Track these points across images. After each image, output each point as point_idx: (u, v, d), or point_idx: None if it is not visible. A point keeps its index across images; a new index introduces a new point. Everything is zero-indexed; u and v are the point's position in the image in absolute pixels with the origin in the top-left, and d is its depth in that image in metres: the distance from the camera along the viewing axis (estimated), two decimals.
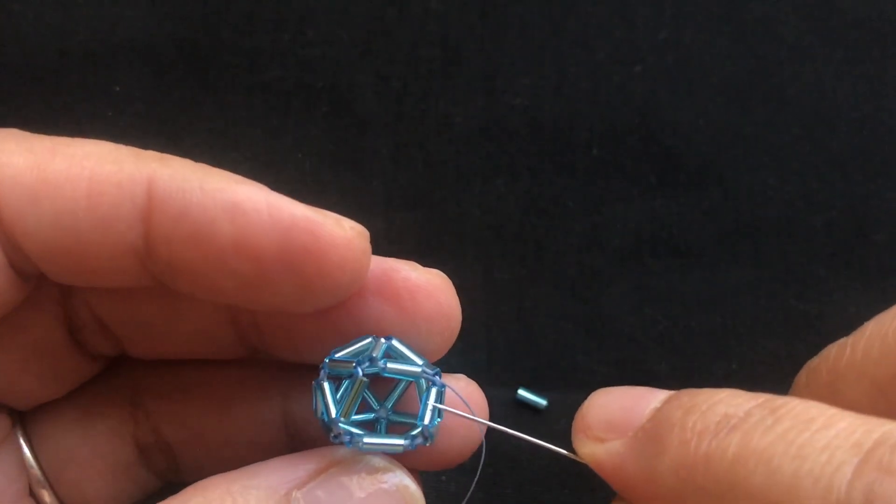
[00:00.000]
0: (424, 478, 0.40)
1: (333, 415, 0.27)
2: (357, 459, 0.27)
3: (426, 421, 0.27)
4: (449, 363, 0.42)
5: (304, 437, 0.32)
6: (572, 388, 0.41)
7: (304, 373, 0.31)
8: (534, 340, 0.41)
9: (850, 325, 0.41)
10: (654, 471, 0.25)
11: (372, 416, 0.28)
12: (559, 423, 0.41)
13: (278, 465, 0.26)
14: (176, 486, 0.33)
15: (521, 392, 0.41)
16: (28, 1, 0.42)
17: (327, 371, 0.27)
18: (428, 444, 0.28)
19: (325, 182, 0.42)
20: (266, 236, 0.26)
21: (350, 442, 0.27)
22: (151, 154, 0.27)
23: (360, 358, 0.27)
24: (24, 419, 0.31)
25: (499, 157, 0.42)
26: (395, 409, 0.29)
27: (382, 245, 0.41)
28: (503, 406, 0.41)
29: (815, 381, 0.30)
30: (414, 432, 0.27)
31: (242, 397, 0.32)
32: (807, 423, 0.22)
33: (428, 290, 0.29)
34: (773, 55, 0.42)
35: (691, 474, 0.23)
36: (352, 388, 0.27)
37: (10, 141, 0.26)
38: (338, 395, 0.27)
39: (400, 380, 0.29)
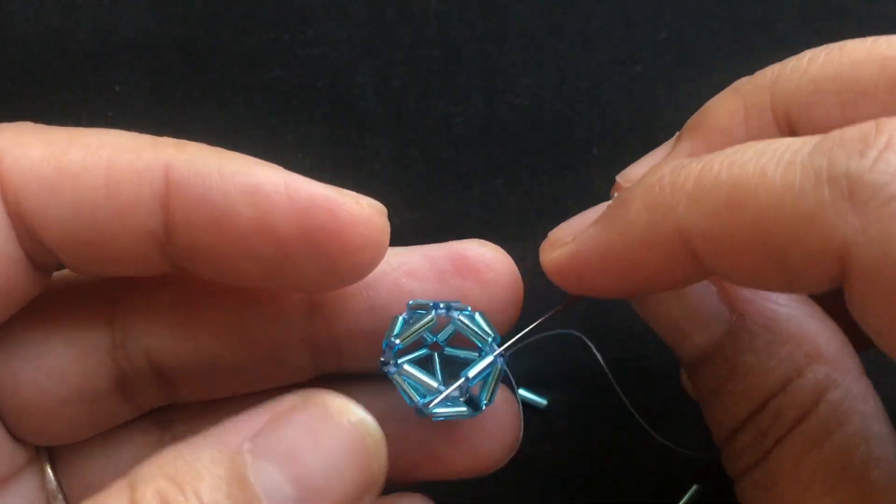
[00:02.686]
0: (423, 484, 0.41)
1: (393, 339, 0.28)
2: (305, 402, 0.26)
3: (471, 374, 0.29)
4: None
5: (331, 356, 0.31)
6: (572, 388, 0.41)
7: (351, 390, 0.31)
8: (534, 340, 0.41)
9: None
10: (624, 221, 0.26)
11: (425, 351, 0.30)
12: (559, 422, 0.41)
13: (231, 422, 0.26)
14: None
15: (521, 392, 0.41)
16: (28, 1, 0.42)
17: (411, 304, 0.29)
18: (465, 413, 0.29)
19: (325, 182, 0.42)
20: (285, 217, 0.26)
21: (395, 371, 0.28)
22: (168, 140, 0.27)
23: (438, 304, 0.29)
24: (50, 448, 0.31)
25: (499, 157, 0.42)
26: (448, 344, 0.30)
27: None
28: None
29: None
30: (460, 385, 0.28)
31: (260, 315, 0.31)
32: (752, 145, 0.24)
33: (502, 263, 0.30)
34: (773, 55, 0.42)
35: (658, 204, 0.25)
36: (417, 322, 0.28)
37: (25, 133, 0.26)
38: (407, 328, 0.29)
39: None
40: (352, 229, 0.26)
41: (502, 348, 0.29)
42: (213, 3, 0.42)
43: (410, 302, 0.29)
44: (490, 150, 0.42)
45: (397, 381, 0.28)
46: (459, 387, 0.28)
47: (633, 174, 0.31)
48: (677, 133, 0.32)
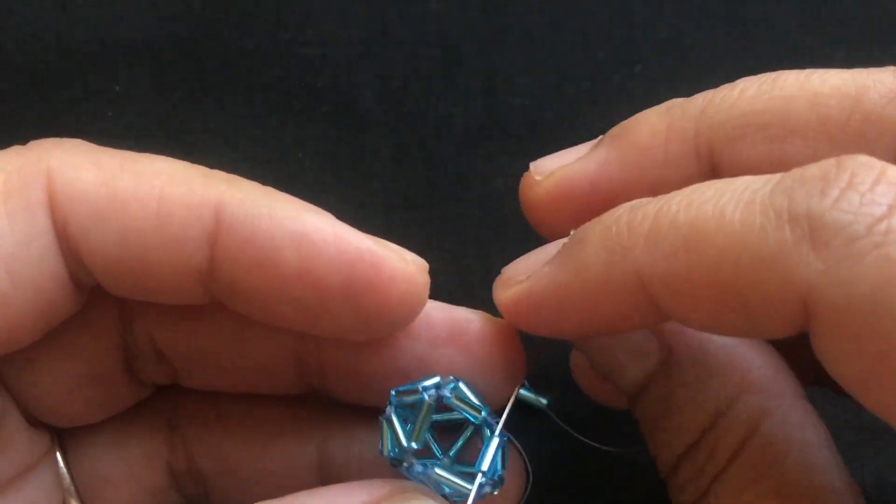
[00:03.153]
0: None
1: (405, 444, 0.27)
2: (415, 493, 0.26)
3: (484, 467, 0.28)
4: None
5: (337, 482, 0.32)
6: (572, 388, 0.41)
7: (347, 415, 0.31)
8: (534, 340, 0.41)
9: None
10: (579, 262, 0.25)
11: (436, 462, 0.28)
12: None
13: (331, 494, 0.26)
14: None
15: (522, 392, 0.41)
16: (28, 1, 0.42)
17: (395, 402, 0.28)
18: (495, 493, 0.28)
19: (325, 182, 0.42)
20: (330, 267, 0.26)
21: (423, 472, 0.27)
22: (220, 175, 0.27)
23: (425, 385, 0.28)
24: (63, 437, 0.31)
25: (499, 157, 0.42)
26: (458, 460, 0.29)
27: None
28: (503, 406, 0.41)
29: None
30: (482, 480, 0.27)
31: (279, 436, 0.32)
32: (708, 186, 0.23)
33: (500, 341, 0.30)
34: (773, 55, 0.42)
35: (615, 246, 0.24)
36: (420, 413, 0.27)
37: (77, 154, 0.26)
38: (406, 428, 0.28)
39: (461, 424, 0.29)
40: (394, 286, 0.27)
41: (501, 422, 0.29)
42: (213, 3, 0.42)
43: (393, 393, 0.28)
44: (490, 150, 0.42)
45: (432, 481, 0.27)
46: (490, 483, 0.28)
47: (546, 166, 0.32)
48: (600, 136, 0.32)
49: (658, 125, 0.29)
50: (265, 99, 0.42)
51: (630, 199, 0.26)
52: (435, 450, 0.28)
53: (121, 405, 0.31)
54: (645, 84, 0.42)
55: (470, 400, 0.28)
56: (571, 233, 0.27)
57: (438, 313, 0.29)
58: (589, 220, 0.26)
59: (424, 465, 0.27)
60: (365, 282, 0.26)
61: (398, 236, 0.42)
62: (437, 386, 0.28)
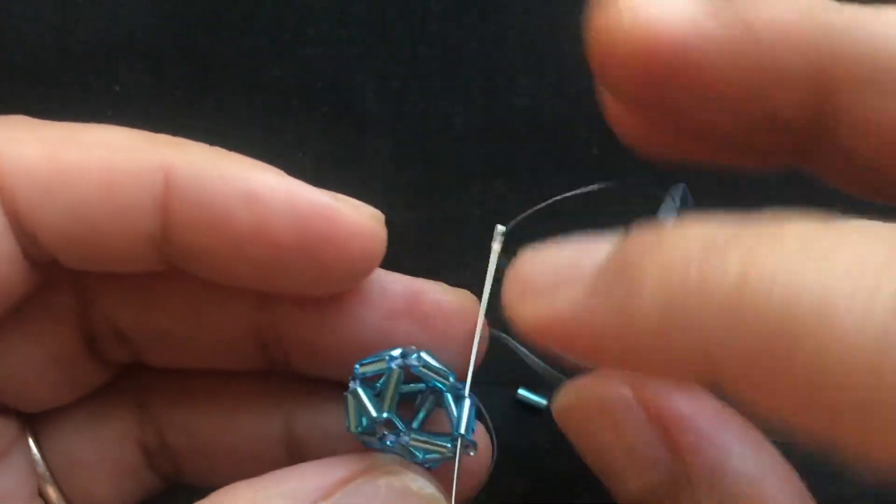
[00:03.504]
0: None
1: (374, 414, 0.26)
2: (388, 470, 0.26)
3: (462, 430, 0.27)
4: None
5: (304, 456, 0.31)
6: None
7: (312, 389, 0.31)
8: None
9: None
10: (629, 311, 0.19)
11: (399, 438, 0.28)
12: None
13: (305, 472, 0.26)
14: (181, 489, 0.33)
15: (521, 392, 0.41)
16: (28, 1, 0.42)
17: (360, 375, 0.27)
18: (471, 454, 0.28)
19: (325, 182, 0.42)
20: (284, 224, 0.26)
21: (396, 442, 0.26)
22: (165, 139, 0.27)
23: (392, 354, 0.27)
24: (33, 421, 0.31)
25: (499, 157, 0.42)
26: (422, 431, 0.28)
27: None
28: (503, 406, 0.41)
29: None
30: (457, 441, 0.27)
31: (247, 410, 0.32)
32: (818, 237, 0.17)
33: (458, 312, 0.29)
34: None
35: (681, 305, 0.18)
36: (390, 383, 0.27)
37: (20, 129, 0.26)
38: (374, 400, 0.27)
39: (416, 396, 0.28)
40: (350, 238, 0.26)
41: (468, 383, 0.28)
42: (213, 3, 0.42)
43: (357, 367, 0.27)
44: (490, 150, 0.42)
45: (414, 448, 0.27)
46: (465, 444, 0.27)
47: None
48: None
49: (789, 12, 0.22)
50: (265, 99, 0.42)
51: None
52: (398, 423, 0.28)
53: (88, 386, 0.31)
54: None
55: (436, 367, 0.28)
56: (607, 253, 0.21)
57: (396, 284, 0.29)
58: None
59: (397, 435, 0.27)
60: (320, 236, 0.26)
61: (398, 236, 0.42)
62: (404, 355, 0.27)
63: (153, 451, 0.32)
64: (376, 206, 0.42)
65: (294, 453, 0.32)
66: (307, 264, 0.26)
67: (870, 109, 0.21)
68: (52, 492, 0.31)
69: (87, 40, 0.42)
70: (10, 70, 0.41)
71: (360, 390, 0.27)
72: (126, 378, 0.32)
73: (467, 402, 0.28)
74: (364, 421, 0.27)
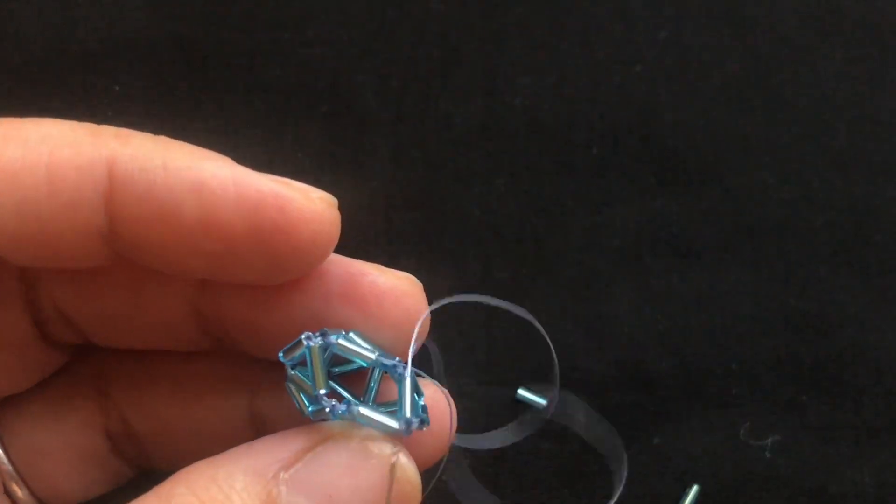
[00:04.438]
0: (423, 476, 0.40)
1: (313, 392, 0.26)
2: (346, 435, 0.26)
3: (407, 413, 0.26)
4: (449, 363, 0.42)
5: (271, 433, 0.31)
6: (572, 388, 0.41)
7: (273, 369, 0.31)
8: (534, 340, 0.41)
9: (849, 324, 0.41)
10: None
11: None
12: (559, 422, 0.41)
13: (264, 446, 0.26)
14: (149, 475, 0.33)
15: (521, 392, 0.41)
16: (28, 1, 0.42)
17: (288, 362, 0.27)
18: (424, 429, 0.27)
19: (325, 182, 0.42)
20: (233, 214, 0.25)
21: (346, 410, 0.26)
22: (109, 131, 0.26)
23: (308, 332, 0.26)
24: None
25: (499, 157, 0.42)
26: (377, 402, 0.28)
27: (382, 245, 0.41)
28: (503, 406, 0.41)
29: None
30: (409, 417, 0.26)
31: (209, 390, 0.31)
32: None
33: (395, 295, 0.28)
34: (773, 55, 0.43)
35: None
36: (311, 360, 0.26)
37: None
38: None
39: (373, 371, 0.28)
40: (302, 226, 0.26)
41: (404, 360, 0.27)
42: (213, 3, 0.42)
43: (281, 353, 0.27)
44: (490, 150, 0.42)
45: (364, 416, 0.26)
46: (419, 421, 0.27)
47: None
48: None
49: None
50: (265, 99, 0.42)
51: None
52: (344, 394, 0.27)
53: (43, 370, 0.31)
54: (645, 84, 0.42)
55: (359, 344, 0.27)
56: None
57: (334, 267, 0.28)
58: None
59: (348, 405, 0.26)
60: (271, 225, 0.25)
61: (398, 236, 0.42)
62: (324, 334, 0.27)
63: (118, 437, 0.32)
64: (376, 206, 0.42)
65: (260, 431, 0.31)
66: (258, 254, 0.26)
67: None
68: (17, 489, 0.31)
69: (87, 40, 0.42)
70: (10, 70, 0.41)
71: (296, 374, 0.27)
72: (85, 364, 0.32)
73: (408, 382, 0.27)
74: (308, 401, 0.26)
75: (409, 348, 0.28)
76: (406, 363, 0.27)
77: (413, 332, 0.28)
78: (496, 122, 0.42)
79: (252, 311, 0.29)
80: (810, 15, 0.42)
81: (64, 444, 0.31)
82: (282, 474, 0.24)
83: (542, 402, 0.41)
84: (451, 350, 0.41)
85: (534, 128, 0.42)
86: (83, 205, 0.25)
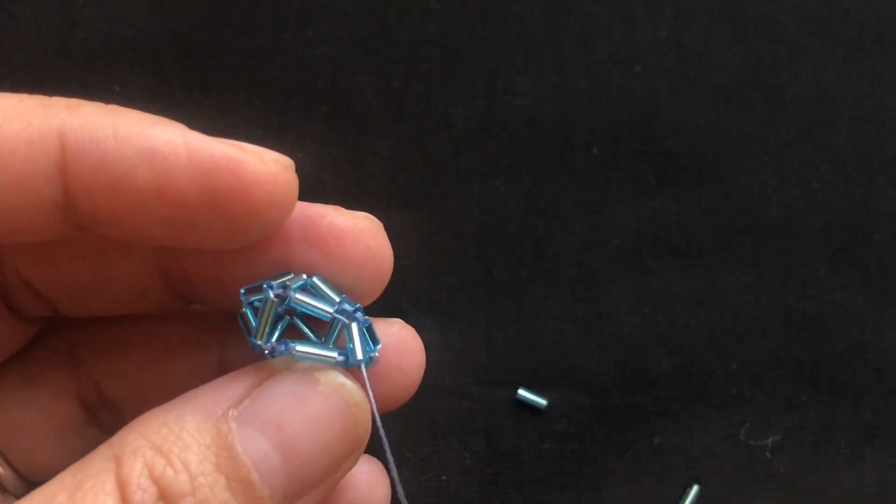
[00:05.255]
0: (423, 477, 0.41)
1: (252, 341, 0.26)
2: (289, 369, 0.26)
3: (359, 356, 0.27)
4: (449, 362, 0.42)
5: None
6: (572, 388, 0.41)
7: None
8: (534, 340, 0.41)
9: (850, 324, 0.41)
10: None
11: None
12: (559, 422, 0.41)
13: (212, 387, 0.26)
14: None
15: (521, 392, 0.41)
16: (28, 1, 0.42)
17: (246, 300, 0.27)
18: (366, 368, 0.27)
19: (325, 182, 0.42)
20: (187, 180, 0.25)
21: (284, 350, 0.26)
22: (59, 102, 0.26)
23: (269, 282, 0.27)
24: None
25: (499, 157, 0.42)
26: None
27: None
28: (503, 406, 0.41)
29: None
30: (352, 348, 0.27)
31: (180, 350, 0.31)
32: None
33: (354, 234, 0.28)
34: (773, 55, 0.42)
35: None
36: (264, 310, 0.26)
37: None
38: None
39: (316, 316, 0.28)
40: (257, 188, 0.26)
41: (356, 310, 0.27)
42: (213, 3, 0.42)
43: (243, 291, 0.27)
44: (490, 150, 0.42)
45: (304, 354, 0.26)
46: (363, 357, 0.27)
47: None
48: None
49: None
50: (265, 99, 0.42)
51: None
52: (285, 343, 0.27)
53: (12, 345, 0.31)
54: (645, 84, 0.42)
55: (322, 291, 0.27)
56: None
57: (293, 212, 0.28)
58: None
59: (286, 344, 0.26)
60: (225, 189, 0.25)
61: (398, 236, 0.42)
62: (284, 286, 0.27)
63: (93, 404, 0.32)
64: (376, 206, 0.42)
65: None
66: (215, 219, 0.26)
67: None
68: None
69: (87, 40, 0.42)
70: (10, 70, 0.41)
71: (248, 313, 0.27)
72: (56, 335, 0.32)
73: (354, 327, 0.27)
74: (253, 339, 0.27)
75: (372, 288, 0.28)
76: (356, 310, 0.27)
77: (376, 270, 0.28)
78: (496, 122, 0.42)
79: (216, 267, 0.29)
80: (810, 15, 0.42)
81: (40, 417, 0.31)
82: (231, 411, 0.24)
83: (543, 402, 0.41)
84: (451, 350, 0.41)
85: (534, 128, 0.42)
86: (36, 177, 0.25)
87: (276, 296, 0.26)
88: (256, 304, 0.27)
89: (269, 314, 0.26)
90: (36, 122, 0.25)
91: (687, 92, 0.42)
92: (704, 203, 0.42)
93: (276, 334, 0.27)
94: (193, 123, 0.42)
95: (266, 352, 0.26)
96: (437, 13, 0.42)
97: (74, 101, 0.26)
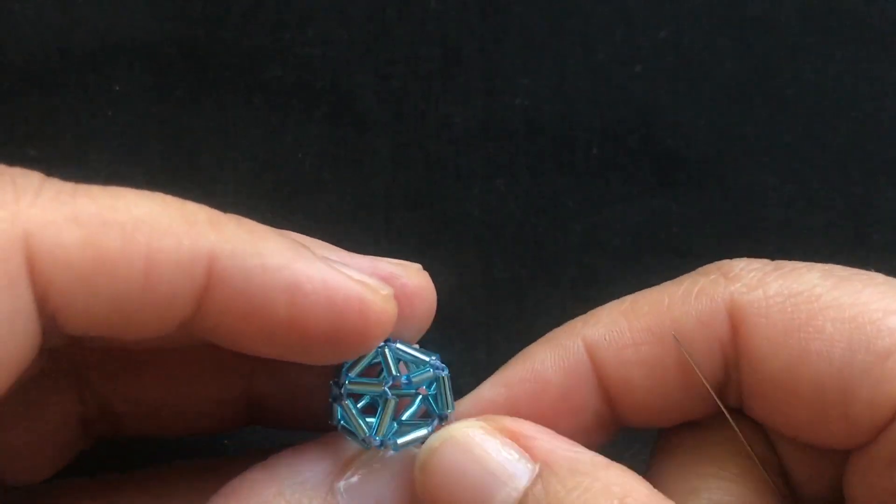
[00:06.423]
0: None
1: (368, 433, 0.28)
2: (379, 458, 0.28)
3: (448, 409, 0.30)
4: (449, 362, 0.42)
5: (266, 408, 0.32)
6: None
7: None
8: (534, 340, 0.41)
9: None
10: None
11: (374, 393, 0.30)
12: None
13: (316, 455, 0.28)
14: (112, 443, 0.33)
15: None
16: (28, 1, 0.42)
17: (347, 391, 0.29)
18: (443, 425, 0.29)
19: (325, 182, 0.42)
20: (320, 315, 0.26)
21: (381, 445, 0.29)
22: (205, 217, 0.26)
23: (382, 378, 0.29)
24: None
25: (499, 157, 0.42)
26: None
27: (383, 245, 0.41)
28: None
29: None
30: (434, 421, 0.30)
31: (200, 377, 0.32)
32: None
33: (422, 295, 0.30)
34: (773, 55, 0.42)
35: None
36: (384, 410, 0.29)
37: (53, 207, 0.24)
38: (359, 405, 0.29)
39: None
40: (376, 326, 0.27)
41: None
42: (213, 3, 0.42)
43: (347, 380, 0.29)
44: (490, 150, 0.42)
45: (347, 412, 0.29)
46: (440, 419, 0.30)
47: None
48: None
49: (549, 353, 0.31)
50: (265, 99, 0.42)
51: None
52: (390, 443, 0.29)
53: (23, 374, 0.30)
54: (645, 84, 0.42)
55: (413, 356, 0.30)
56: None
57: (365, 269, 0.29)
58: None
59: (394, 440, 0.29)
60: (351, 326, 0.27)
61: (398, 236, 0.42)
62: (394, 378, 0.29)
63: (93, 420, 0.32)
64: (376, 206, 0.42)
65: (254, 411, 0.33)
66: (331, 345, 0.27)
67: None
68: None
69: (87, 40, 0.42)
70: (10, 70, 0.41)
71: (349, 403, 0.29)
72: (63, 355, 0.31)
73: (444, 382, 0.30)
74: (358, 436, 0.29)
75: (422, 333, 0.31)
76: (443, 368, 0.30)
77: (427, 321, 0.30)
78: (496, 122, 0.42)
79: (304, 373, 0.31)
80: (810, 15, 0.42)
81: (39, 443, 0.31)
82: (337, 483, 0.27)
83: None
84: (451, 350, 0.41)
85: (534, 128, 0.42)
86: (178, 299, 0.25)
87: (392, 386, 0.29)
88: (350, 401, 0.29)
89: (389, 411, 0.29)
90: (186, 242, 0.25)
91: (687, 92, 0.42)
92: (704, 203, 0.42)
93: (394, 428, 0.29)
94: (193, 123, 0.42)
95: (380, 445, 0.29)
96: (437, 13, 0.42)
97: (215, 218, 0.26)
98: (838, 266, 0.29)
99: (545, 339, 0.31)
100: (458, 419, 0.29)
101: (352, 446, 0.29)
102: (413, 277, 0.30)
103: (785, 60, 0.42)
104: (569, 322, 0.32)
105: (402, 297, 0.29)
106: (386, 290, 0.28)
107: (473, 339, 0.41)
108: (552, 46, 0.42)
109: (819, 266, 0.29)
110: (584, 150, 0.42)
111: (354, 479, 0.27)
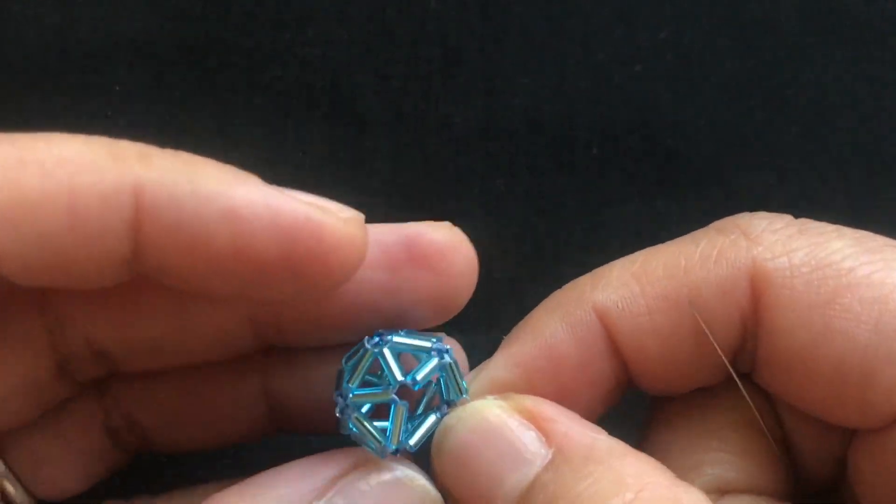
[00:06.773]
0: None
1: (382, 442, 0.27)
2: (376, 464, 0.27)
3: (461, 395, 0.29)
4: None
5: (288, 409, 0.31)
6: None
7: (283, 351, 0.31)
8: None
9: None
10: None
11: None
12: None
13: (295, 476, 0.26)
14: (148, 458, 0.33)
15: None
16: (28, 1, 0.42)
17: (352, 403, 0.28)
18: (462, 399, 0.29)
19: (325, 182, 0.42)
20: (267, 241, 0.25)
21: (397, 452, 0.28)
22: (132, 151, 0.25)
23: (386, 382, 0.28)
24: None
25: (499, 157, 0.42)
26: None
27: None
28: None
29: None
30: (446, 409, 0.28)
31: (218, 378, 0.31)
32: None
33: (457, 249, 0.28)
34: (773, 55, 0.42)
35: None
36: (395, 417, 0.28)
37: None
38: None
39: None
40: (336, 250, 0.25)
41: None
42: (213, 3, 0.42)
43: (351, 393, 0.28)
44: (490, 150, 0.42)
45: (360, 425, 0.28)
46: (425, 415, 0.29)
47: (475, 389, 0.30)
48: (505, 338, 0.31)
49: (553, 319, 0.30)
50: (265, 99, 0.42)
51: None
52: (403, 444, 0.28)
53: (54, 403, 0.30)
54: (645, 84, 0.42)
55: (413, 345, 0.28)
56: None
57: (390, 236, 0.28)
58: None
59: (409, 445, 0.28)
60: (305, 251, 0.25)
61: None
62: (380, 335, 0.28)
63: (120, 430, 0.31)
64: (376, 206, 0.42)
65: (275, 414, 0.31)
66: (290, 277, 0.25)
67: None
68: (10, 487, 0.30)
69: (87, 40, 0.42)
70: (10, 70, 0.41)
71: (359, 417, 0.28)
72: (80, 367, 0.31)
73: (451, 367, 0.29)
74: (370, 443, 0.28)
75: (466, 297, 0.30)
76: (446, 352, 0.29)
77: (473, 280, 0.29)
78: (496, 122, 0.42)
79: (318, 304, 0.28)
80: (810, 15, 0.42)
81: (64, 450, 0.31)
82: (315, 503, 0.25)
83: None
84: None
85: (534, 128, 0.42)
86: (107, 235, 0.24)
87: (399, 392, 0.28)
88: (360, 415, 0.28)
89: (401, 418, 0.28)
90: (109, 176, 0.24)
91: (687, 92, 0.42)
92: (704, 203, 0.42)
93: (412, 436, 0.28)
94: (193, 123, 0.42)
95: (396, 452, 0.27)
96: (437, 13, 0.42)
97: (145, 151, 0.25)
98: (868, 234, 0.27)
99: (553, 307, 0.30)
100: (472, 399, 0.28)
101: (338, 465, 0.27)
102: (441, 232, 0.28)
103: (785, 60, 0.42)
104: (574, 282, 0.30)
105: (434, 256, 0.28)
106: (347, 214, 0.26)
107: (473, 339, 0.41)
108: (552, 46, 0.42)
109: (849, 233, 0.27)
110: (584, 150, 0.42)
111: (333, 496, 0.26)
